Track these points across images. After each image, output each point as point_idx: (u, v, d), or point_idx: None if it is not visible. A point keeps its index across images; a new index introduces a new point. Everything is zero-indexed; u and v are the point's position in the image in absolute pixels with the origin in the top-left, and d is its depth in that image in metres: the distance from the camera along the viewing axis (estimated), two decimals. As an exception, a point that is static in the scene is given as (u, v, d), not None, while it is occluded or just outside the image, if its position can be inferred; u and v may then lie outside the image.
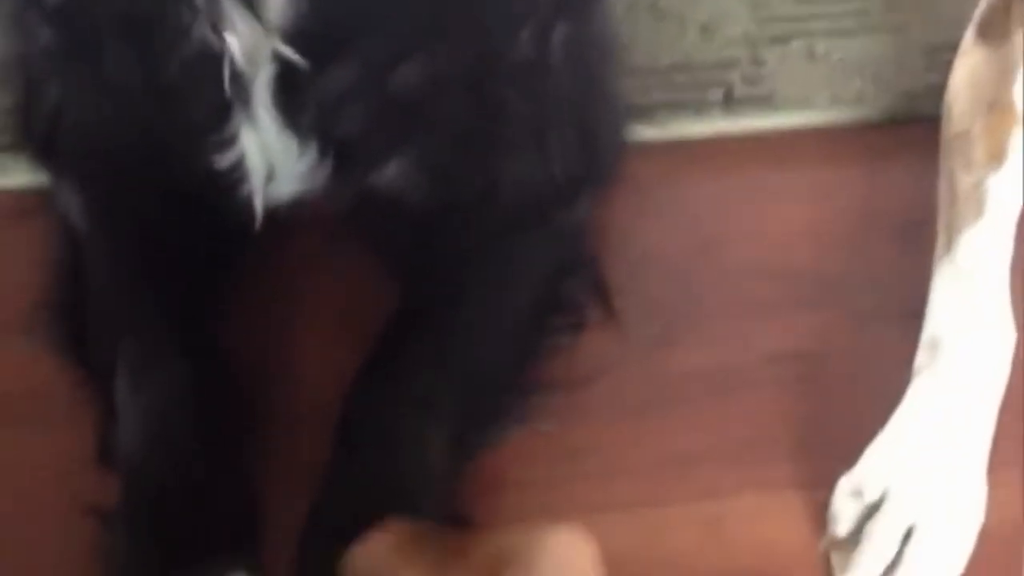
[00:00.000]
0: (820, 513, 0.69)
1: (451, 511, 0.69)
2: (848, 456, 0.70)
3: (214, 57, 0.62)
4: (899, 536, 0.66)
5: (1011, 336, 0.70)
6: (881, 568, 0.66)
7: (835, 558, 0.67)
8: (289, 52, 0.61)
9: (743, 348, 0.77)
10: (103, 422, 0.71)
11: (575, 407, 0.75)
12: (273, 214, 0.72)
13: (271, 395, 0.74)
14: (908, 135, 0.82)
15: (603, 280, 0.79)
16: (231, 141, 0.67)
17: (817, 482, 0.71)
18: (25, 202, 0.80)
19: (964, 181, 0.72)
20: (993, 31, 0.76)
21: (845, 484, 0.68)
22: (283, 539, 0.67)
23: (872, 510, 0.67)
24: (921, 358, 0.70)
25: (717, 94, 0.86)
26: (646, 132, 0.85)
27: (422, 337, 0.72)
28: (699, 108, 0.85)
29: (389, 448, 0.68)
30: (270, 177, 0.69)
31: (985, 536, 0.67)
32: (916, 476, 0.66)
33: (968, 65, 0.76)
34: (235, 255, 0.77)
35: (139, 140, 0.71)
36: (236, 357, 0.74)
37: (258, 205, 0.69)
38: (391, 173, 0.71)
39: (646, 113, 0.84)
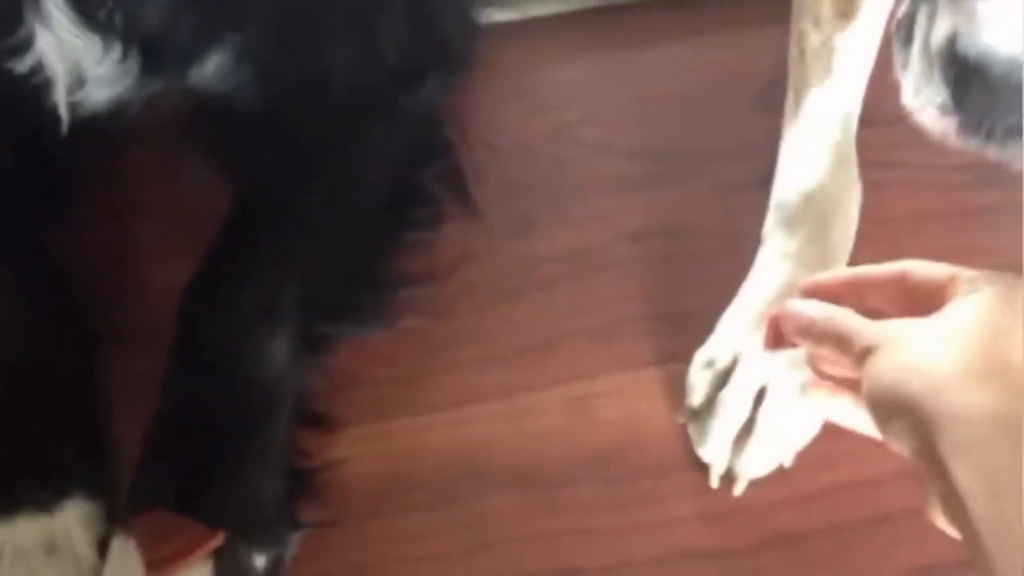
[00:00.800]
0: (681, 386, 0.68)
1: (306, 410, 0.67)
2: (708, 328, 0.69)
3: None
4: (750, 400, 0.64)
5: (857, 193, 0.68)
6: (734, 432, 0.64)
7: (692, 429, 0.66)
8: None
9: (605, 228, 0.75)
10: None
11: (439, 300, 0.72)
12: (94, 121, 0.68)
13: (114, 311, 0.71)
14: (764, 2, 0.79)
15: (460, 168, 0.76)
16: (27, 43, 0.63)
17: (678, 356, 0.69)
18: None
19: (813, 40, 0.69)
20: None
21: (700, 355, 0.67)
22: (127, 458, 0.65)
23: (724, 377, 0.65)
24: (769, 223, 0.68)
25: (572, -32, 0.82)
26: (501, 15, 0.81)
27: (259, 237, 0.69)
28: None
29: (228, 353, 0.66)
30: (79, 81, 0.66)
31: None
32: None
33: None
34: (63, 167, 0.73)
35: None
36: (74, 277, 0.71)
37: (63, 110, 0.65)
38: (210, 70, 0.68)
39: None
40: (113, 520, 0.62)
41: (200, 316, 0.67)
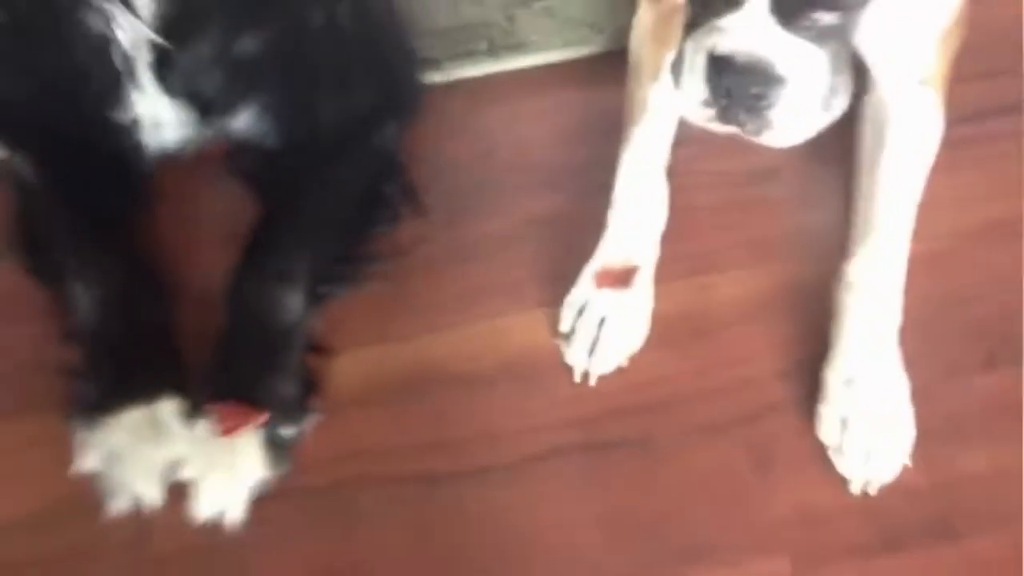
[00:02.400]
0: (557, 320, 1.03)
1: (312, 343, 1.03)
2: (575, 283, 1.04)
3: (108, 44, 0.94)
4: (595, 325, 1.00)
5: (666, 192, 1.04)
6: (587, 346, 1.00)
7: (563, 347, 1.02)
8: (158, 38, 0.93)
9: (511, 218, 1.11)
10: (62, 314, 1.03)
11: (399, 269, 1.07)
12: (165, 153, 1.04)
13: (180, 281, 1.06)
14: (618, 63, 1.15)
15: (412, 182, 1.12)
16: (126, 104, 0.99)
17: (557, 302, 1.04)
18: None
19: (637, 93, 1.06)
20: None
21: (567, 300, 1.03)
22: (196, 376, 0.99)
23: (581, 311, 1.01)
24: (611, 214, 1.04)
25: (483, 45, 1.18)
26: (436, 77, 1.17)
27: (278, 231, 1.04)
28: (472, 56, 1.18)
29: (263, 305, 1.01)
30: (157, 127, 1.02)
31: (658, 319, 1.02)
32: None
33: (644, 14, 1.09)
34: (144, 188, 1.08)
35: (62, 111, 1.02)
36: (154, 258, 1.06)
37: (148, 149, 1.01)
38: (242, 121, 1.04)
39: (433, 63, 1.17)
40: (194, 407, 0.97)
41: (243, 281, 1.02)
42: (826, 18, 0.84)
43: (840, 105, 0.89)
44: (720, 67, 0.86)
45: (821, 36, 0.84)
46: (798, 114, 0.86)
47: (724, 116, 0.89)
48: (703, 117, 0.90)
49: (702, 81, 0.88)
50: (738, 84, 0.86)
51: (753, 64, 0.84)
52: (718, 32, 0.85)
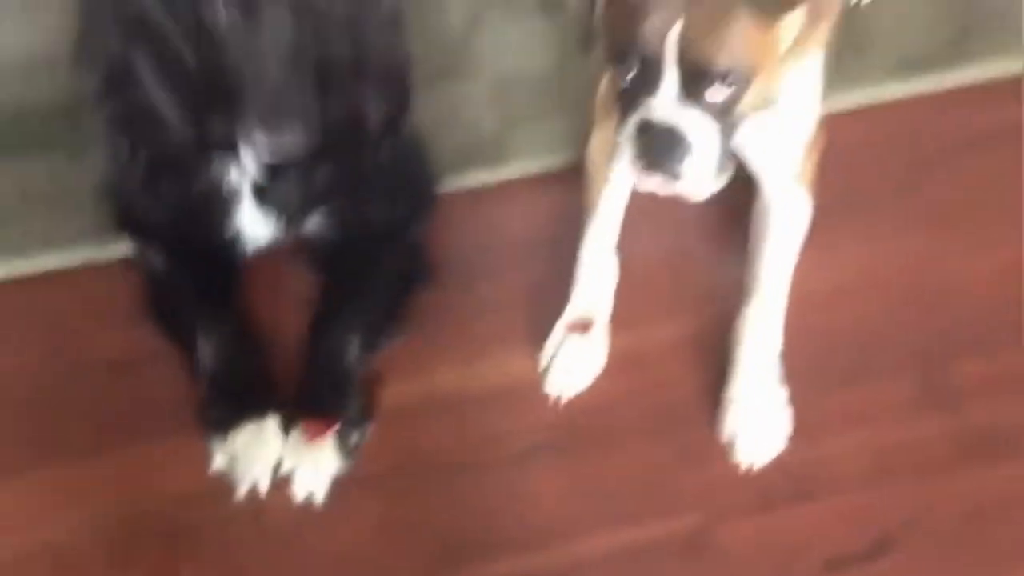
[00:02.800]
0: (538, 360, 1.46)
1: (367, 375, 1.45)
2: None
3: (223, 179, 1.39)
4: (565, 362, 1.43)
5: (615, 259, 1.48)
6: (560, 377, 1.43)
7: (543, 376, 1.45)
8: (259, 178, 1.38)
9: (504, 285, 1.53)
10: (190, 361, 1.46)
11: (423, 324, 1.50)
12: (260, 251, 1.48)
13: (271, 336, 1.49)
14: (579, 173, 1.57)
15: (431, 263, 1.55)
16: (233, 218, 1.43)
17: (538, 345, 1.47)
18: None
19: (592, 194, 1.49)
20: (604, 111, 1.51)
21: (546, 344, 1.46)
22: (287, 400, 1.42)
23: (555, 352, 1.44)
24: (575, 282, 1.47)
25: (479, 162, 1.62)
26: (446, 186, 1.61)
27: (340, 301, 1.48)
28: (471, 171, 1.62)
29: (332, 353, 1.44)
30: (253, 232, 1.46)
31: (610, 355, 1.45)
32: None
33: (595, 137, 1.52)
34: (240, 274, 1.52)
35: (188, 222, 1.46)
36: (252, 320, 1.50)
37: (247, 245, 1.45)
38: (313, 224, 1.48)
39: (444, 177, 1.59)
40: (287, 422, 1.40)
41: (317, 335, 1.45)
42: (717, 96, 1.21)
43: (725, 177, 1.27)
44: (644, 131, 1.23)
45: (713, 114, 1.22)
46: (699, 170, 1.24)
47: (648, 168, 1.25)
48: (637, 171, 1.28)
49: (632, 143, 1.27)
50: (656, 143, 1.22)
51: (666, 128, 1.22)
52: (643, 108, 1.23)
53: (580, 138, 1.57)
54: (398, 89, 1.45)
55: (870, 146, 1.63)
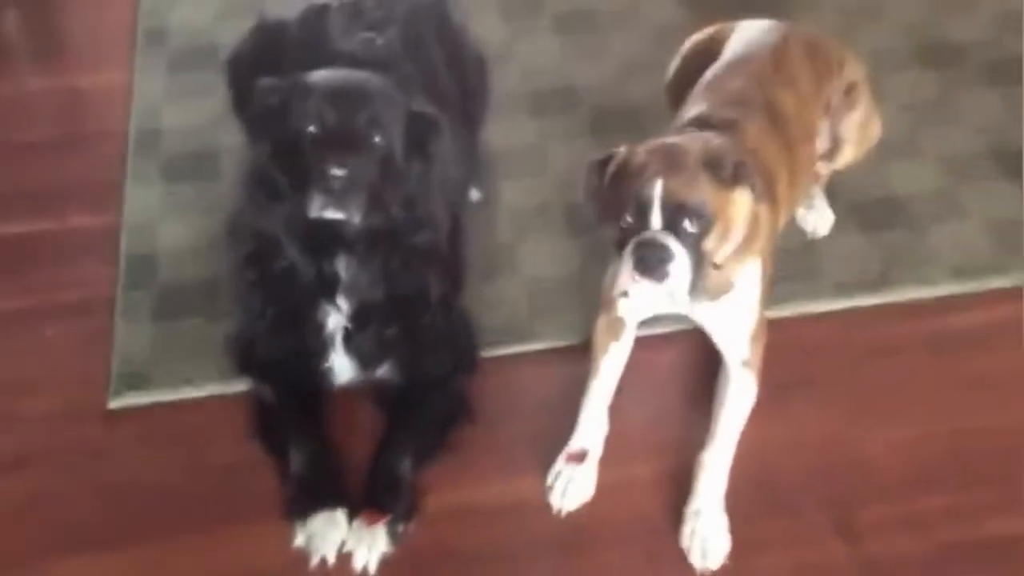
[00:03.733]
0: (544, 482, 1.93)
1: (415, 484, 1.93)
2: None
3: (323, 326, 1.93)
4: (565, 484, 1.90)
5: (605, 418, 1.97)
6: (561, 495, 1.89)
7: (549, 493, 1.91)
8: (349, 325, 1.92)
9: (524, 427, 2.02)
10: (283, 467, 1.95)
11: (459, 450, 1.99)
12: (342, 388, 2.01)
13: (345, 453, 1.98)
14: (585, 349, 2.09)
15: (471, 408, 2.05)
16: (327, 359, 1.96)
17: (545, 470, 1.94)
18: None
19: (595, 362, 2.00)
20: (607, 303, 2.03)
21: (551, 470, 1.93)
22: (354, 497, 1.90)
23: (557, 476, 1.91)
24: (577, 427, 1.96)
25: (509, 336, 2.15)
26: (483, 352, 2.13)
27: (399, 431, 1.98)
28: (502, 344, 2.14)
29: (387, 468, 1.93)
30: (341, 372, 1.98)
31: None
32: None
33: (600, 321, 2.03)
34: (326, 404, 2.03)
35: (292, 362, 1.99)
36: (332, 438, 1.99)
37: (334, 382, 1.98)
38: (382, 371, 2.00)
39: (482, 345, 2.13)
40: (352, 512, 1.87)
41: (379, 455, 1.94)
42: (690, 228, 1.70)
43: (698, 299, 1.78)
44: (639, 248, 1.71)
45: (687, 244, 1.71)
46: (679, 275, 1.71)
47: (643, 273, 1.70)
48: (632, 280, 1.74)
49: (632, 258, 1.72)
50: (649, 254, 1.70)
51: (657, 244, 1.70)
52: (639, 235, 1.72)
53: (589, 324, 2.08)
54: (455, 276, 2.02)
55: (812, 343, 2.13)
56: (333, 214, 1.79)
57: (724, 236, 1.77)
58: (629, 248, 1.74)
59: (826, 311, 2.19)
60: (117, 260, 2.33)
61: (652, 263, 1.72)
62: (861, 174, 2.33)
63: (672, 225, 1.72)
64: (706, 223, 1.73)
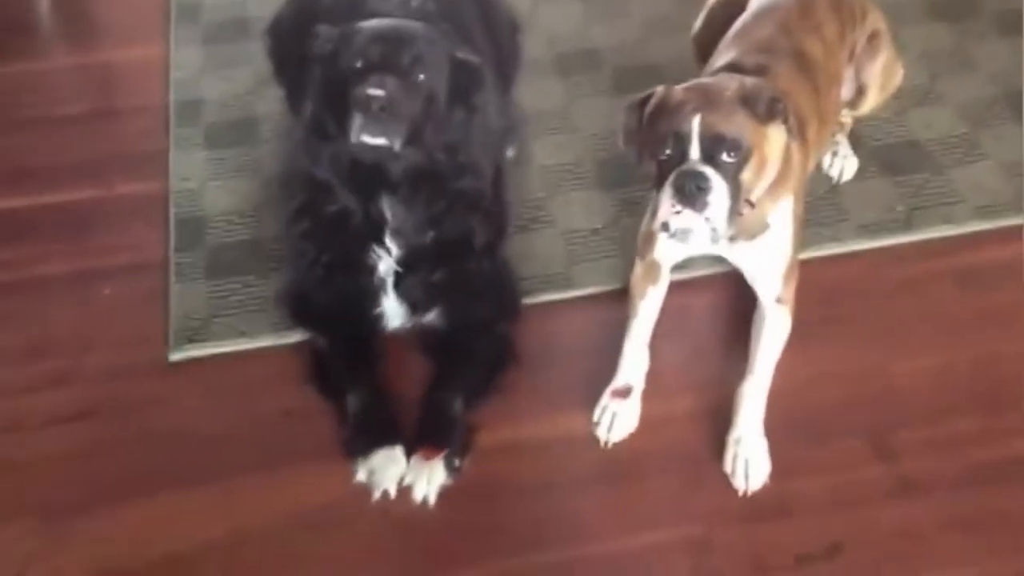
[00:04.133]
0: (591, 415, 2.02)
1: (468, 423, 2.01)
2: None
3: (374, 270, 2.02)
4: (611, 417, 1.99)
5: (646, 354, 2.06)
6: (607, 427, 1.98)
7: (595, 428, 2.00)
8: (399, 268, 2.01)
9: (566, 367, 2.11)
10: (340, 410, 2.04)
11: (508, 390, 2.07)
12: (393, 332, 2.09)
13: (398, 395, 2.06)
14: (624, 292, 2.17)
15: (516, 352, 2.13)
16: (379, 303, 2.05)
17: (592, 406, 2.03)
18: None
19: (633, 304, 2.09)
20: (643, 249, 2.12)
21: (598, 405, 2.01)
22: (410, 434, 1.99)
23: (604, 409, 2.00)
24: (619, 363, 2.04)
25: (550, 284, 2.23)
26: (526, 300, 2.22)
27: (447, 374, 2.06)
28: (544, 290, 2.22)
29: (441, 408, 2.02)
30: (392, 317, 2.07)
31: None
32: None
33: (637, 267, 2.12)
34: (378, 348, 2.12)
35: (345, 307, 2.08)
36: (384, 380, 2.08)
37: (385, 327, 2.07)
38: (430, 316, 2.09)
39: (525, 292, 2.21)
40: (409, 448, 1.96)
41: (431, 393, 2.03)
42: (728, 158, 1.79)
43: (731, 230, 1.84)
44: (679, 178, 1.78)
45: (724, 175, 1.78)
46: (718, 206, 1.78)
47: (683, 203, 1.78)
48: (671, 211, 1.82)
49: (671, 189, 1.79)
50: (688, 184, 1.77)
51: (696, 173, 1.78)
52: (679, 167, 1.80)
53: (625, 272, 2.17)
54: (499, 223, 2.10)
55: (840, 282, 2.22)
56: (372, 139, 1.86)
57: (760, 170, 1.85)
58: (669, 180, 1.81)
59: (853, 251, 2.27)
60: (167, 224, 2.42)
61: (692, 192, 1.79)
62: (883, 121, 2.43)
63: (710, 157, 1.79)
64: (743, 155, 1.80)
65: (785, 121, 1.84)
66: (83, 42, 3.07)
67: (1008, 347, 2.09)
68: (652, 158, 1.86)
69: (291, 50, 2.35)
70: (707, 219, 1.81)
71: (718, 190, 1.79)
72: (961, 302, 2.18)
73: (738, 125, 1.80)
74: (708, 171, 1.79)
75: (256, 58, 2.67)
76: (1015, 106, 2.52)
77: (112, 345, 2.20)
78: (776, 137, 1.86)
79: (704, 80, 1.90)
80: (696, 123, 1.79)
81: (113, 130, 2.71)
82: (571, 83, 2.70)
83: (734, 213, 1.83)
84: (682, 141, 1.81)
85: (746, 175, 1.83)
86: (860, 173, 2.39)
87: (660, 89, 1.88)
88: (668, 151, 1.82)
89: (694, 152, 1.80)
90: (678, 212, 1.82)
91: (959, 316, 2.16)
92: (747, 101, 1.82)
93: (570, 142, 2.55)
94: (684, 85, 1.88)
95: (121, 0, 3.14)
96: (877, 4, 2.32)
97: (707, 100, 1.81)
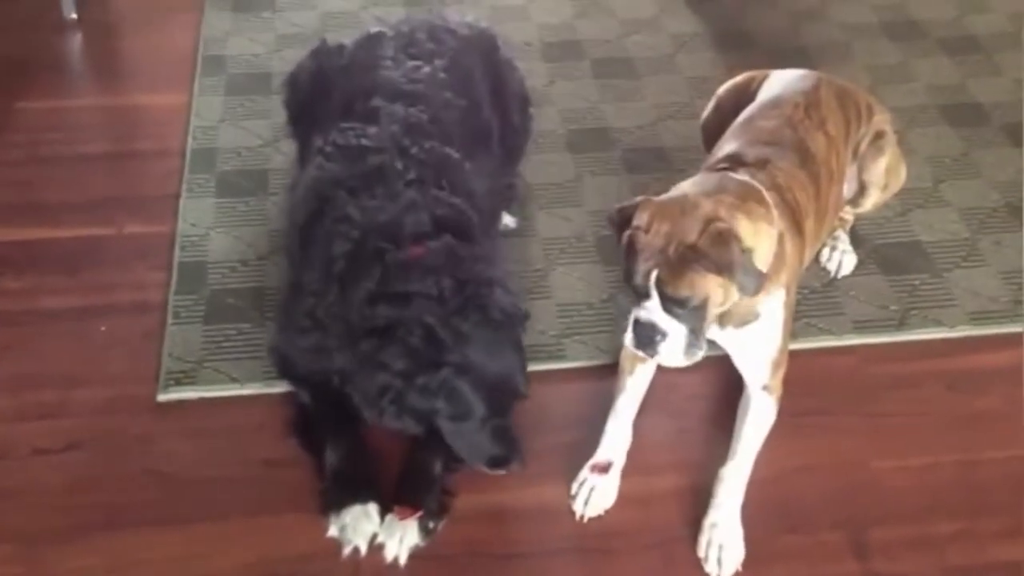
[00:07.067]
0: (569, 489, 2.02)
1: (445, 487, 2.02)
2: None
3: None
4: (588, 492, 1.99)
5: (629, 432, 2.06)
6: (583, 502, 1.98)
7: (572, 501, 2.00)
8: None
9: (555, 440, 2.12)
10: (319, 463, 2.04)
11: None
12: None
13: (379, 454, 2.07)
14: (613, 368, 2.19)
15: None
16: None
17: (571, 478, 2.03)
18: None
19: (620, 381, 2.09)
20: None
21: (576, 478, 2.01)
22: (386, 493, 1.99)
23: (582, 484, 2.00)
24: (602, 439, 2.05)
25: (544, 355, 2.25)
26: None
27: (432, 437, 2.05)
28: (538, 361, 2.24)
29: (421, 468, 2.02)
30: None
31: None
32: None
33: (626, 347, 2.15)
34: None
35: (328, 375, 2.09)
36: (366, 439, 2.09)
37: None
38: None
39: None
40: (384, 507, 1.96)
41: (413, 459, 2.03)
42: (678, 311, 1.83)
43: (697, 357, 1.89)
44: (636, 324, 1.86)
45: (682, 319, 1.84)
46: (670, 350, 1.86)
47: (637, 347, 1.88)
48: (631, 345, 1.90)
49: (631, 329, 1.88)
50: (642, 332, 1.86)
51: (650, 323, 1.85)
52: (637, 309, 1.87)
53: (616, 347, 2.18)
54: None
55: (830, 374, 2.23)
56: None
57: (725, 302, 1.88)
58: (629, 319, 1.90)
59: (845, 345, 2.28)
60: (170, 267, 2.45)
61: (644, 340, 1.89)
62: (885, 220, 2.46)
63: (668, 308, 1.85)
64: (699, 305, 1.84)
65: (742, 271, 1.82)
66: (111, 84, 3.14)
67: (993, 452, 2.09)
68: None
69: (305, 104, 2.42)
70: (659, 357, 1.90)
71: (673, 336, 1.86)
72: (950, 404, 2.18)
73: (689, 284, 1.82)
74: (662, 322, 1.85)
75: (274, 112, 2.74)
76: (1017, 215, 2.55)
77: (104, 381, 2.22)
78: (767, 235, 1.88)
79: (684, 203, 1.87)
80: (652, 281, 1.84)
81: (129, 171, 2.76)
82: (581, 159, 2.75)
83: (696, 344, 1.88)
84: (640, 292, 1.87)
85: (709, 312, 1.87)
86: (858, 269, 2.41)
87: (636, 215, 1.87)
88: (632, 290, 1.89)
89: (651, 304, 1.86)
90: (635, 349, 1.91)
91: (947, 417, 2.16)
92: (708, 251, 1.80)
93: (574, 215, 2.58)
94: (660, 209, 1.86)
95: (152, 46, 3.22)
96: (889, 105, 2.37)
97: (665, 256, 1.82)
